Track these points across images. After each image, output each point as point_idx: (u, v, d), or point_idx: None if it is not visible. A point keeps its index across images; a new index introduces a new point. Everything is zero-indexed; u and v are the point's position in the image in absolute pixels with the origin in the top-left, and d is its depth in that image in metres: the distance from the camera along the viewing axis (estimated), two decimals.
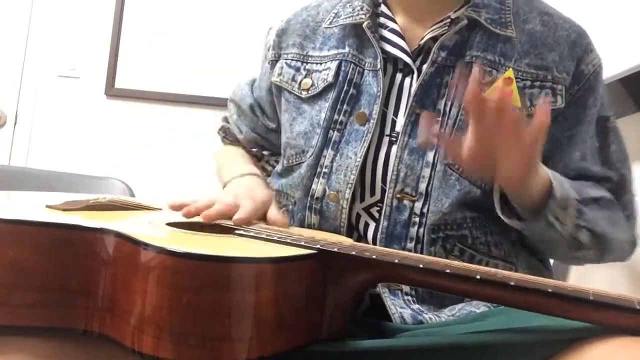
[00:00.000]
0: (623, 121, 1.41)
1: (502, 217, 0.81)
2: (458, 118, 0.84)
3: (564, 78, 0.86)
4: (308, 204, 0.88)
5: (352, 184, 0.86)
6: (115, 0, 2.62)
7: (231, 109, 1.12)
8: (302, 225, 0.90)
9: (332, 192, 0.87)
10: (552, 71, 0.86)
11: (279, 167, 0.98)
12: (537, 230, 0.82)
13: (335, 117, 0.89)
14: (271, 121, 1.04)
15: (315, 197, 0.88)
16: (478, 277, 0.59)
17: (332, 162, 0.88)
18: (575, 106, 0.88)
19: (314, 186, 0.88)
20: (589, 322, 0.57)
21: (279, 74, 0.98)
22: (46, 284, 0.59)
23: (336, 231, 0.87)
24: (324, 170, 0.88)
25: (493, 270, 0.62)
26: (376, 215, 0.86)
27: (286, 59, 0.98)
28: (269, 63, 1.01)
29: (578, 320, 0.58)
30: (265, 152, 1.09)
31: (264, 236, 0.67)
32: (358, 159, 0.86)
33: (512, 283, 0.58)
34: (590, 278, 1.21)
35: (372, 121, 0.87)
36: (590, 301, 0.55)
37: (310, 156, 0.89)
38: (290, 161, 0.94)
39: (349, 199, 0.86)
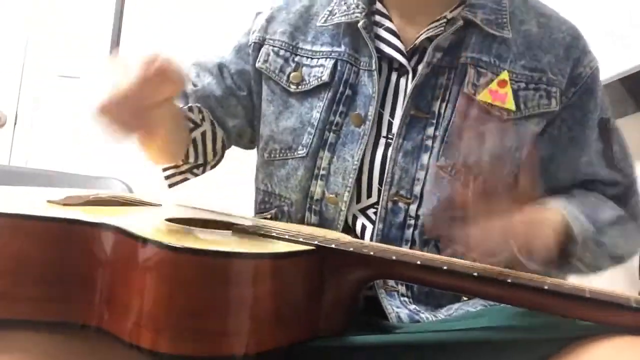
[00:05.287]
0: (623, 121, 1.41)
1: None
2: (452, 120, 0.83)
3: (559, 80, 0.86)
4: (308, 205, 0.88)
5: (350, 187, 0.85)
6: (115, 0, 2.62)
7: (191, 71, 1.01)
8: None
9: (331, 195, 0.86)
10: (547, 73, 0.86)
11: (258, 162, 0.96)
12: (561, 272, 0.83)
13: (331, 118, 0.88)
14: (239, 89, 0.97)
15: (314, 199, 0.87)
16: (475, 274, 0.59)
17: (329, 164, 0.87)
18: (573, 108, 0.87)
19: (312, 188, 0.87)
20: (586, 320, 0.57)
21: (265, 61, 0.95)
22: (45, 279, 0.59)
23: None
24: (321, 172, 0.87)
25: (490, 267, 0.62)
26: (373, 217, 0.85)
27: (273, 46, 0.95)
28: (251, 45, 0.97)
29: (575, 318, 0.58)
30: (207, 115, 0.97)
31: (262, 232, 0.68)
32: (355, 162, 0.85)
33: (509, 280, 0.58)
34: (589, 277, 1.21)
35: (367, 123, 0.86)
36: (587, 299, 0.56)
37: (306, 156, 0.88)
38: (273, 155, 0.91)
39: (348, 202, 0.85)
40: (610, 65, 1.32)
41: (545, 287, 0.57)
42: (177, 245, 0.54)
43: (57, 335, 0.59)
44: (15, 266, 0.58)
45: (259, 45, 0.96)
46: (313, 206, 0.87)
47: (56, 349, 0.59)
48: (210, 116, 0.96)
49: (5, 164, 2.55)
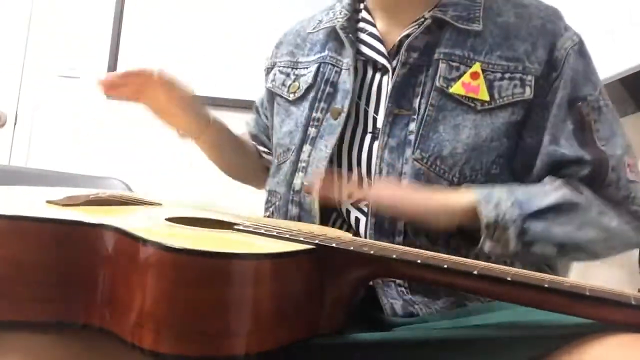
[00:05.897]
0: (623, 121, 1.41)
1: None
2: (425, 114, 0.86)
3: (535, 69, 0.86)
4: (290, 198, 0.92)
5: (322, 174, 0.89)
6: (115, 0, 2.62)
7: (254, 107, 1.21)
8: (285, 219, 0.92)
9: (307, 184, 0.90)
10: (523, 62, 0.86)
11: (272, 169, 1.02)
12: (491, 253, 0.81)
13: (314, 114, 0.94)
14: (268, 121, 1.11)
15: (295, 190, 0.92)
16: (476, 272, 0.59)
17: (309, 156, 0.92)
18: (550, 93, 0.86)
19: (295, 180, 0.92)
20: (586, 318, 0.57)
21: (272, 80, 1.04)
22: (46, 279, 0.59)
23: (312, 223, 0.89)
24: (302, 164, 0.92)
25: (490, 264, 0.62)
26: (365, 209, 0.88)
27: (279, 67, 1.04)
28: (265, 70, 1.09)
29: (574, 316, 0.58)
30: (261, 148, 1.15)
31: (262, 231, 0.68)
32: (327, 151, 0.90)
33: (509, 278, 0.58)
34: (590, 275, 1.21)
35: (343, 115, 0.90)
36: (587, 296, 0.55)
37: (293, 152, 0.94)
38: (279, 159, 0.98)
39: (319, 190, 0.89)
40: (610, 65, 1.32)
41: (546, 285, 0.57)
42: (177, 247, 0.54)
43: (57, 336, 0.59)
44: (16, 268, 0.58)
45: (270, 69, 1.07)
46: (294, 198, 0.92)
47: (56, 349, 0.59)
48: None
49: (5, 164, 2.55)
